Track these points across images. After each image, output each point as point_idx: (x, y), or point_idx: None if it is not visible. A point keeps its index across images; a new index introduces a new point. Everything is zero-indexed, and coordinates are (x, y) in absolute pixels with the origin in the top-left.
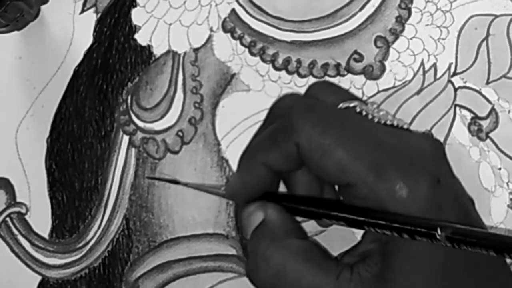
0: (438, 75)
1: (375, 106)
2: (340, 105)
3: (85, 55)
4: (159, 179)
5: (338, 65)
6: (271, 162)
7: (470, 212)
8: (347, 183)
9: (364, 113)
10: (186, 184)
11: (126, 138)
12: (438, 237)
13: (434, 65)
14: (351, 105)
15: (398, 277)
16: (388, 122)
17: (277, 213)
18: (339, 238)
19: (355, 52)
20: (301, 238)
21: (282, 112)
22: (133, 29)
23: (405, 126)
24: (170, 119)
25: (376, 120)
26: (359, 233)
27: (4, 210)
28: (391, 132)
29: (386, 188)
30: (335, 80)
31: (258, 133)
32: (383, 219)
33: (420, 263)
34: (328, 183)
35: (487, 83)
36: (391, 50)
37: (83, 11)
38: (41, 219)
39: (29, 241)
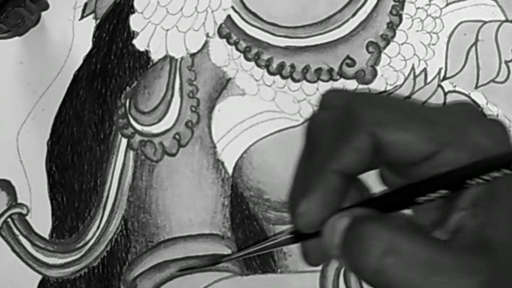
0: (429, 80)
1: None
2: None
3: (85, 60)
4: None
5: (331, 70)
6: (346, 165)
7: None
8: (432, 152)
9: None
10: (242, 256)
11: (124, 141)
12: None
13: (425, 70)
14: None
15: (499, 232)
16: None
17: (365, 211)
18: None
19: (348, 57)
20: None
21: (330, 121)
22: (131, 35)
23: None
24: (167, 122)
25: None
26: None
27: (5, 211)
28: (438, 106)
29: (472, 143)
30: (328, 85)
31: (301, 160)
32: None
33: None
34: (405, 164)
35: (476, 87)
36: (382, 55)
37: (82, 17)
38: (41, 219)
39: (30, 241)
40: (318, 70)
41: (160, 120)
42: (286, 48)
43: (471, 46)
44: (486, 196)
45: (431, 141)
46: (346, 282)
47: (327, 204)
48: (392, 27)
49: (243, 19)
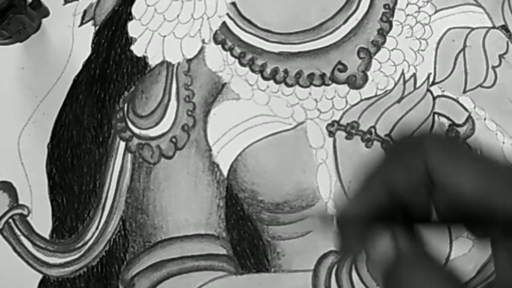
0: (418, 85)
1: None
2: None
3: (84, 66)
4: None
5: (323, 75)
6: (396, 181)
7: None
8: (481, 204)
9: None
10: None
11: (122, 144)
12: None
13: (414, 75)
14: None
15: None
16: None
17: (406, 240)
18: (324, 239)
19: (339, 62)
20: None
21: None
22: (129, 41)
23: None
24: (164, 126)
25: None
26: None
27: (7, 212)
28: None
29: None
30: (320, 89)
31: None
32: None
33: None
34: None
35: (464, 92)
36: (373, 61)
37: (82, 24)
38: (42, 220)
39: (31, 241)
40: (311, 75)
41: (157, 123)
42: (280, 54)
43: (459, 52)
44: None
45: (479, 194)
46: (338, 281)
47: (367, 211)
48: (383, 33)
49: (238, 25)
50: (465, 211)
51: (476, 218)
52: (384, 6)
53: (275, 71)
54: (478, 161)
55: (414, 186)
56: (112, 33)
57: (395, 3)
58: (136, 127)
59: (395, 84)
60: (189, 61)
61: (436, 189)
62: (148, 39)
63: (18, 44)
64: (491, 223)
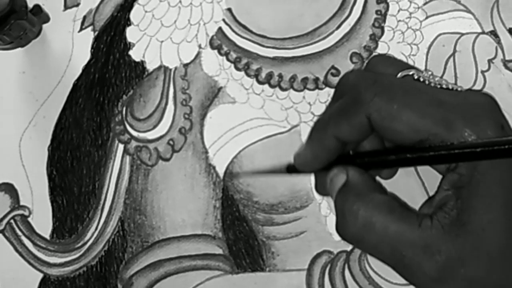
0: None
1: (430, 73)
2: (399, 74)
3: (84, 70)
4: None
5: (316, 79)
6: (342, 134)
7: None
8: (419, 140)
9: (421, 79)
10: (245, 173)
11: (121, 147)
12: None
13: None
14: (410, 73)
15: (473, 217)
16: (444, 86)
17: (358, 173)
18: (317, 239)
19: (333, 67)
20: (383, 193)
21: (348, 88)
22: (128, 46)
23: (459, 89)
24: (162, 129)
25: (432, 85)
26: (335, 233)
27: (8, 213)
28: (449, 92)
29: (456, 137)
30: (314, 93)
31: (327, 110)
32: (461, 147)
33: (493, 202)
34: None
35: None
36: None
37: (81, 29)
38: (42, 221)
39: (32, 241)
40: (305, 80)
41: (155, 126)
42: (274, 58)
43: (449, 57)
44: (469, 180)
45: (419, 131)
46: (331, 279)
47: (320, 157)
48: (375, 38)
49: (233, 31)
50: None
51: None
52: (376, 12)
53: (269, 75)
54: (411, 96)
55: (357, 137)
56: (111, 39)
57: (387, 9)
58: (135, 130)
59: None
60: (186, 65)
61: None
62: (146, 44)
63: (19, 49)
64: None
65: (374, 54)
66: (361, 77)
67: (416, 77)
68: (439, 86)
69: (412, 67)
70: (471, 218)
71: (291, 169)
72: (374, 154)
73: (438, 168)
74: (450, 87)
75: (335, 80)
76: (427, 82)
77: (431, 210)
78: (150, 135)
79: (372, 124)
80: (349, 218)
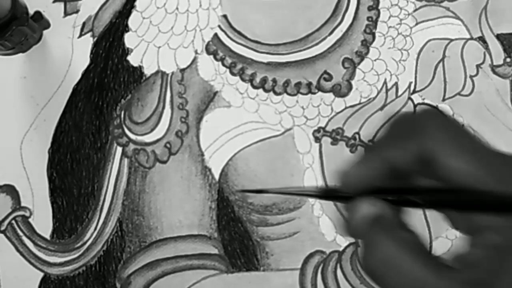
0: (400, 93)
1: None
2: None
3: (83, 75)
4: (248, 191)
5: (309, 84)
6: (395, 158)
7: None
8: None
9: None
10: (276, 191)
11: (119, 149)
12: None
13: (396, 84)
14: None
15: (501, 284)
16: None
17: (389, 207)
18: (310, 239)
19: (325, 72)
20: (411, 231)
21: (409, 121)
22: (126, 52)
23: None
24: (159, 132)
25: None
26: (327, 234)
27: (10, 213)
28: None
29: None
30: (307, 97)
31: (381, 135)
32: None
33: None
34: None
35: (443, 100)
36: (357, 70)
37: (81, 35)
38: (43, 221)
39: (33, 242)
40: (298, 84)
41: (152, 130)
42: (269, 64)
43: (438, 62)
44: (505, 243)
45: (477, 179)
46: (324, 278)
47: (365, 178)
48: (366, 44)
49: (229, 37)
50: (457, 197)
51: (467, 204)
52: (368, 18)
53: (264, 80)
54: (478, 146)
55: (410, 165)
56: (109, 44)
57: (378, 15)
58: (132, 133)
59: (378, 93)
60: (182, 70)
61: (431, 170)
62: (143, 49)
63: (20, 54)
64: (481, 210)
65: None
66: (424, 110)
67: None
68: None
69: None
70: (499, 285)
71: (329, 193)
72: (411, 190)
73: (466, 225)
74: None
75: (327, 84)
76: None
77: (458, 265)
78: (148, 138)
79: (426, 156)
80: (372, 252)
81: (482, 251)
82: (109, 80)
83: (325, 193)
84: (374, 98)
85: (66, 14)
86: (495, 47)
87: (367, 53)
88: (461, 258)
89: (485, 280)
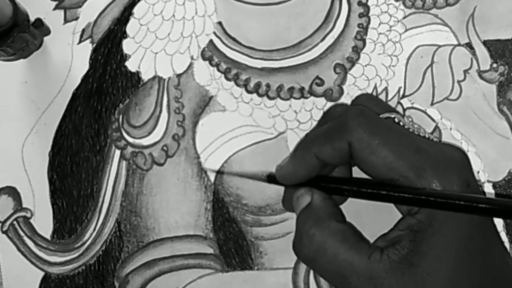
0: (389, 97)
1: (410, 119)
2: (382, 116)
3: (82, 80)
4: (211, 170)
5: (302, 89)
6: (323, 155)
7: None
8: (390, 178)
9: (401, 124)
10: (229, 173)
11: (118, 152)
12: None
13: (386, 88)
14: (392, 116)
15: (422, 261)
16: (421, 134)
17: (321, 198)
18: None
19: (317, 77)
20: (340, 221)
21: (335, 116)
22: (124, 57)
23: (434, 139)
24: (156, 135)
25: (411, 130)
26: None
27: (11, 214)
28: (427, 141)
29: (424, 185)
30: (300, 102)
31: (313, 131)
32: (427, 195)
33: (443, 253)
34: (373, 178)
35: (432, 104)
36: (348, 75)
37: (80, 41)
38: (44, 222)
39: (34, 242)
40: (291, 89)
41: (149, 133)
42: (262, 69)
43: (427, 68)
44: (426, 228)
45: (392, 170)
46: (316, 277)
47: (299, 173)
48: (357, 50)
49: (224, 43)
50: (378, 189)
51: (384, 196)
52: (358, 25)
53: (258, 85)
54: (394, 141)
55: (337, 160)
56: (108, 50)
57: (369, 22)
58: (130, 136)
59: None
60: (179, 76)
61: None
62: (141, 55)
63: (21, 60)
64: (395, 202)
65: (361, 92)
66: (349, 107)
67: (397, 120)
68: (416, 133)
69: (395, 111)
70: (419, 261)
71: (271, 179)
72: (342, 181)
73: (401, 208)
74: (427, 136)
75: (319, 89)
76: (406, 127)
77: (383, 244)
78: (145, 141)
79: (351, 152)
80: (305, 241)
81: (402, 231)
82: (108, 85)
83: (269, 179)
84: None
85: (66, 21)
86: (482, 53)
87: (358, 59)
88: (386, 237)
89: (405, 259)
